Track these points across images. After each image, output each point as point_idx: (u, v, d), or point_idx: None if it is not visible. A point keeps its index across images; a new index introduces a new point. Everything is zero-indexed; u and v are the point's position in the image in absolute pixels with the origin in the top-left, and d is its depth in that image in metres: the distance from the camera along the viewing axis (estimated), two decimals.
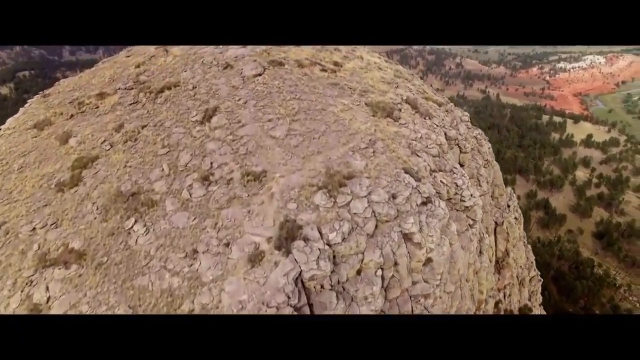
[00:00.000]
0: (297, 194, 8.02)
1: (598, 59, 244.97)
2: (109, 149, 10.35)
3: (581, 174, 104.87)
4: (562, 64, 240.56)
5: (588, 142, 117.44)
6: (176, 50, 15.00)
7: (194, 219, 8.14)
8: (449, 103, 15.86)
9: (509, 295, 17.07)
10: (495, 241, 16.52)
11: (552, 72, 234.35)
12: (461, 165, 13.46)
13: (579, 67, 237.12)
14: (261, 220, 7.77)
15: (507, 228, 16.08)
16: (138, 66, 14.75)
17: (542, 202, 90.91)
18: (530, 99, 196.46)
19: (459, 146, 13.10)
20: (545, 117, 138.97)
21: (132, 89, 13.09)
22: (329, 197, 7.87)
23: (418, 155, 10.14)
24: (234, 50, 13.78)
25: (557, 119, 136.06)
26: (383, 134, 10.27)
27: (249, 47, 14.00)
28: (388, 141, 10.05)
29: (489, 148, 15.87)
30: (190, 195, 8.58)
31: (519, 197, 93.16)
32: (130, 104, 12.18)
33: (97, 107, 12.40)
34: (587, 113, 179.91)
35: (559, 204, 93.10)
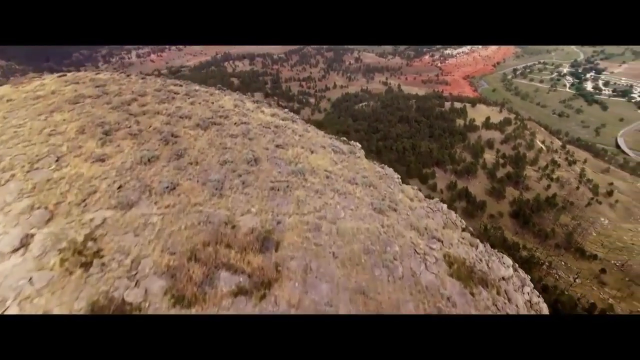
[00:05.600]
0: None
1: None
2: None
3: (489, 156, 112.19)
4: (449, 51, 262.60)
5: (487, 124, 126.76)
6: None
7: None
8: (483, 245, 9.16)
9: None
10: None
11: (441, 58, 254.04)
12: None
13: (462, 52, 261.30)
14: None
15: None
16: None
17: (462, 191, 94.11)
18: (428, 86, 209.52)
19: None
20: (447, 104, 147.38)
21: None
22: None
23: None
24: None
25: (457, 104, 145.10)
26: None
27: None
28: None
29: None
30: None
31: (441, 191, 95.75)
32: None
33: None
34: (477, 94, 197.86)
35: (477, 190, 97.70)
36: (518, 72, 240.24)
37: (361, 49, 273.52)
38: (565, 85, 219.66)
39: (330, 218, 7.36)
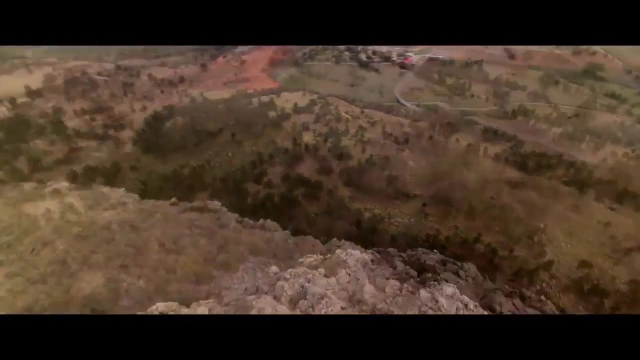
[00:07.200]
0: None
1: None
2: None
3: (308, 138, 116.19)
4: (239, 48, 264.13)
5: (297, 109, 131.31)
6: None
7: None
8: None
9: None
10: None
11: (235, 57, 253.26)
12: None
13: (252, 47, 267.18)
14: None
15: None
16: None
17: (297, 178, 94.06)
18: (230, 87, 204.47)
19: None
20: (255, 100, 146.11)
21: None
22: None
23: None
24: None
25: (264, 98, 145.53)
26: None
27: None
28: None
29: None
30: None
31: (279, 185, 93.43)
32: None
33: None
34: (277, 84, 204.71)
35: (309, 172, 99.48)
36: (306, 55, 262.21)
37: (148, 66, 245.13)
38: (345, 60, 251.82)
39: None
